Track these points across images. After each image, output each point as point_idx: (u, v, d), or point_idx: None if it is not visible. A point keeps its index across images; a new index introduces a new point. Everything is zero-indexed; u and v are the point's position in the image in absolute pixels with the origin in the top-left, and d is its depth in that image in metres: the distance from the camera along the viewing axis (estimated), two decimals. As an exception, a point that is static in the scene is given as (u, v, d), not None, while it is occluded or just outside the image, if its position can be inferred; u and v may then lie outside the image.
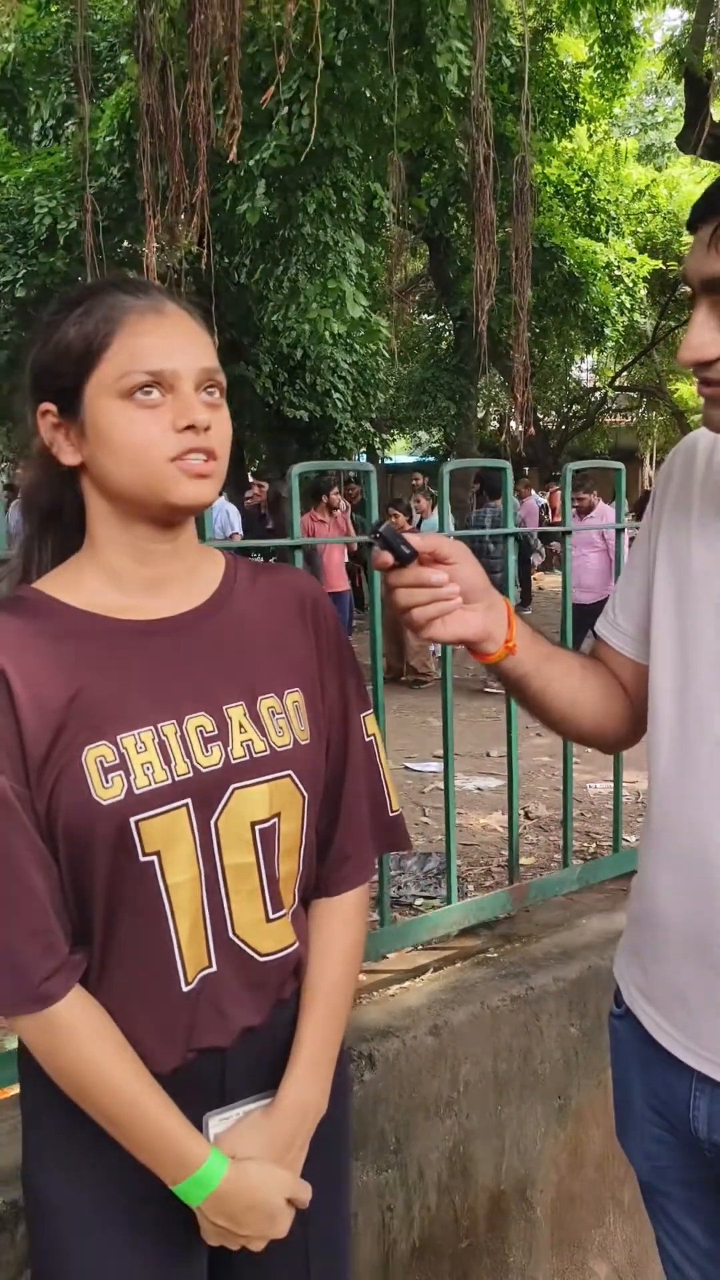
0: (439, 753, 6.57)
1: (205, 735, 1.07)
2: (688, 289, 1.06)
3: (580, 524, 7.83)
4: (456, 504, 12.52)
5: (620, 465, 2.22)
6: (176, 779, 1.04)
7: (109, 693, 1.03)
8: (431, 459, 23.77)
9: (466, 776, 6.17)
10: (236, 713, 1.10)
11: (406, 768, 6.31)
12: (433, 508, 9.44)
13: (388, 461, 22.51)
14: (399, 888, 4.28)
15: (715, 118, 10.38)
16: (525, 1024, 1.91)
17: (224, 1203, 1.06)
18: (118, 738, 1.02)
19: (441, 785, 6.15)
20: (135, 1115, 1.03)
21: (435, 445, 24.09)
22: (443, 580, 1.10)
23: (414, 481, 12.86)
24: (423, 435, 25.08)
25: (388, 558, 1.09)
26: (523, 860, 4.61)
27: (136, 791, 1.01)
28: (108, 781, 1.00)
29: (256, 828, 1.10)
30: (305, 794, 1.15)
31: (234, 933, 1.10)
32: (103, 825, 1.00)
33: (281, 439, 11.66)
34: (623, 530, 2.16)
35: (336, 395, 11.10)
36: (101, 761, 1.01)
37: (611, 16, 13.37)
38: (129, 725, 1.03)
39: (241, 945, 1.10)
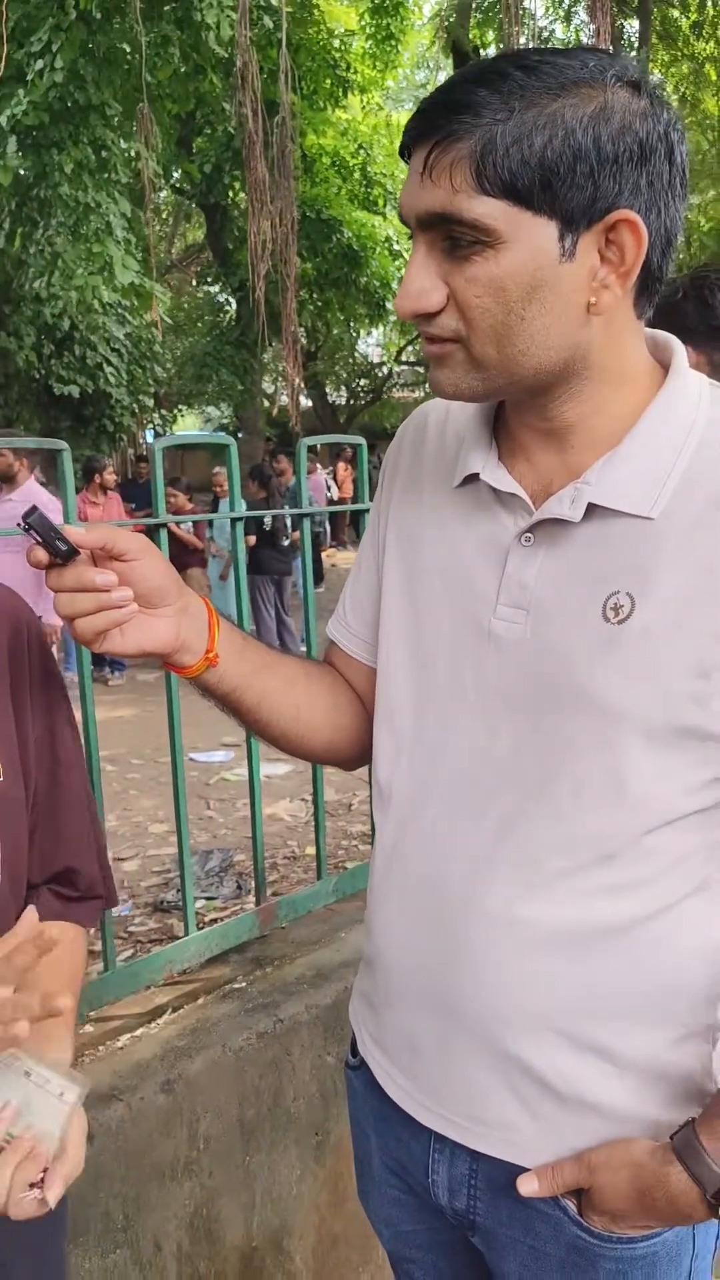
0: (227, 740, 6.37)
1: None
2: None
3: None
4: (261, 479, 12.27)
5: (361, 440, 2.06)
6: None
7: None
8: (221, 435, 23.36)
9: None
10: None
11: (191, 759, 6.06)
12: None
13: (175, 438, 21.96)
14: (177, 890, 4.04)
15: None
16: (275, 1060, 1.73)
17: None
18: None
19: (227, 776, 5.94)
20: None
21: (225, 421, 23.71)
22: (110, 583, 0.89)
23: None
24: (212, 411, 24.63)
25: (42, 554, 0.87)
26: (309, 850, 4.48)
27: None
28: None
29: None
30: None
31: None
32: None
33: (53, 416, 11.02)
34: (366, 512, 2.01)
35: (109, 369, 10.56)
36: None
37: (380, -13, 13.39)
38: None
39: None
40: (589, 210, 0.80)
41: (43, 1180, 0.84)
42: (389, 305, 16.21)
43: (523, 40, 11.69)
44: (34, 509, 0.88)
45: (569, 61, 0.81)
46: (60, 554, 0.87)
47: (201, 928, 1.94)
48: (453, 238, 0.83)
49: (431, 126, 0.82)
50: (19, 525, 0.88)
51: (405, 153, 0.86)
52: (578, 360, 0.87)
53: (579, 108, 0.79)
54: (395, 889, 1.05)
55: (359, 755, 1.20)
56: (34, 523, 0.86)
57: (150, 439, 20.08)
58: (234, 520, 1.84)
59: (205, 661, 1.01)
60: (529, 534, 0.94)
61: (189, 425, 27.98)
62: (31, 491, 6.04)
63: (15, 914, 1.03)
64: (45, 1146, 0.86)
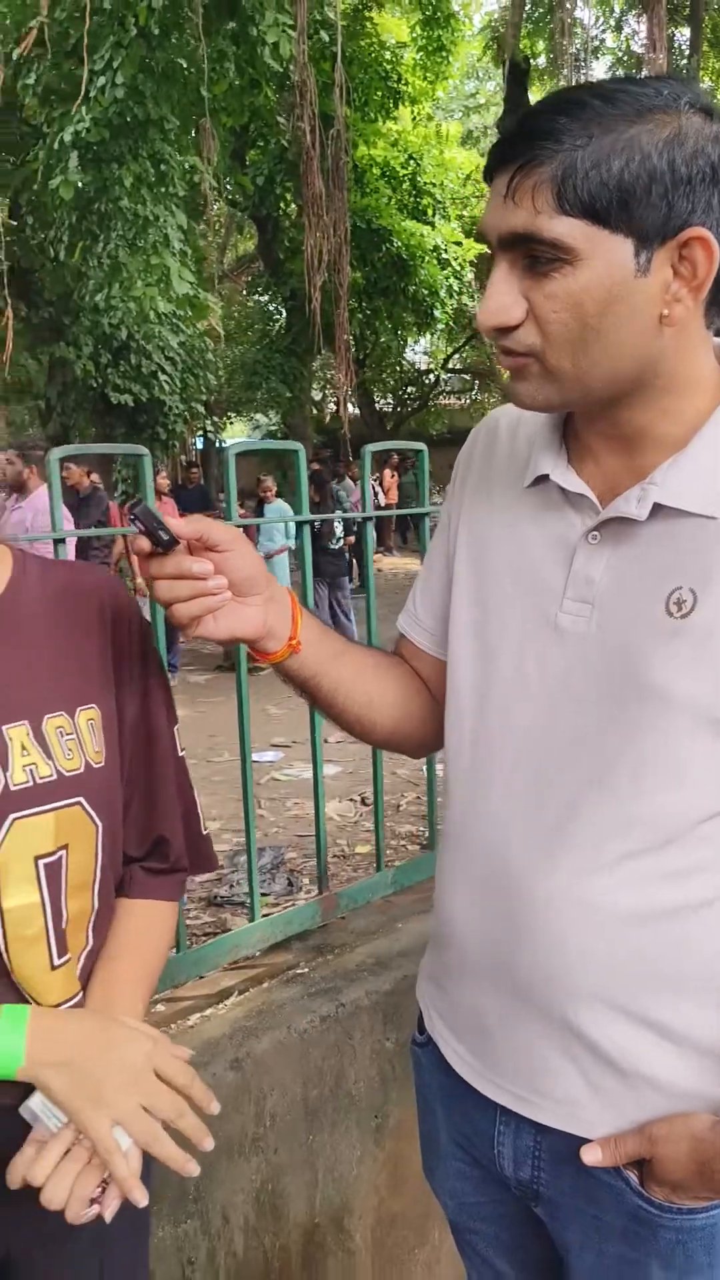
0: (276, 741, 6.45)
1: None
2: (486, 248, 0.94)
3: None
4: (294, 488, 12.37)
5: (422, 447, 2.12)
6: None
7: None
8: (292, 442, 23.51)
9: (306, 764, 6.07)
10: (18, 733, 0.98)
11: (242, 759, 6.15)
12: (274, 494, 9.23)
13: (225, 445, 22.16)
14: (230, 886, 4.12)
15: (533, 103, 10.56)
16: (337, 1044, 1.79)
17: (51, 1048, 0.91)
18: None
19: (277, 776, 6.02)
20: None
21: (274, 428, 23.89)
22: (207, 571, 0.96)
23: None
24: (260, 418, 24.83)
25: (144, 543, 0.94)
26: (360, 849, 4.54)
27: None
28: None
29: (40, 863, 0.98)
30: (99, 822, 1.03)
31: (15, 979, 0.98)
32: None
33: (108, 423, 11.22)
34: (426, 515, 2.07)
35: (164, 378, 10.73)
36: None
37: (432, -1, 13.47)
38: None
39: (23, 994, 0.98)
40: (663, 228, 0.85)
41: (100, 1195, 0.90)
42: (437, 314, 16.27)
43: (573, 50, 11.70)
44: (140, 500, 0.95)
45: (644, 90, 0.86)
46: (161, 543, 0.93)
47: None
48: (533, 256, 0.87)
49: (515, 152, 0.86)
50: (126, 515, 0.94)
51: (489, 177, 0.91)
52: (648, 370, 0.91)
53: (654, 133, 0.84)
54: (462, 870, 1.09)
55: (424, 743, 1.25)
56: (139, 514, 0.92)
57: (199, 446, 20.28)
58: (300, 523, 1.91)
59: (289, 648, 1.07)
60: (596, 532, 0.98)
61: (237, 432, 28.20)
62: (39, 498, 6.11)
63: (113, 891, 1.10)
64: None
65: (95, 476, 8.96)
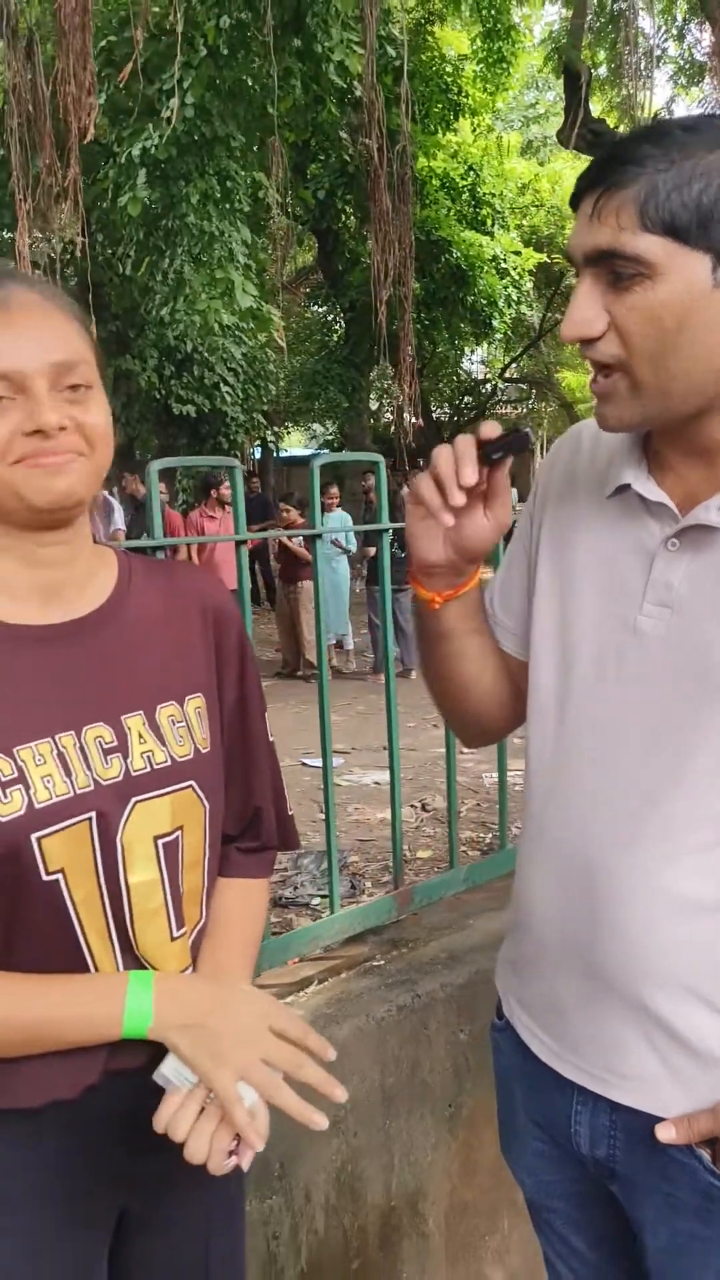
0: (337, 747, 6.54)
1: (105, 746, 1.04)
2: (572, 268, 1.01)
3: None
4: (352, 495, 12.51)
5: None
6: (78, 792, 1.00)
7: (3, 703, 1.00)
8: (326, 452, 23.67)
9: (364, 770, 6.16)
10: (135, 723, 1.06)
11: (304, 764, 6.25)
12: (337, 503, 9.32)
13: (283, 455, 22.37)
14: (295, 887, 4.21)
15: (593, 113, 10.55)
16: (413, 1033, 1.86)
17: (176, 1010, 1.00)
18: (14, 750, 0.98)
19: (338, 781, 6.10)
20: (41, 1000, 1.00)
21: (330, 438, 24.06)
22: (452, 503, 1.05)
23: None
24: (317, 428, 25.00)
25: (489, 432, 1.05)
26: (420, 854, 4.60)
27: (37, 806, 0.98)
28: (6, 796, 0.97)
29: (159, 842, 1.07)
30: (207, 804, 1.12)
31: (138, 952, 1.07)
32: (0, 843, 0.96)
33: (170, 434, 11.44)
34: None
35: (226, 389, 10.93)
36: None
37: (492, 11, 13.51)
38: (26, 737, 0.99)
39: (145, 965, 1.07)
40: None
41: (237, 1147, 0.98)
42: (495, 323, 16.29)
43: (634, 60, 11.68)
44: (524, 431, 1.07)
45: None
46: (485, 456, 1.05)
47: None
48: (615, 271, 0.94)
49: (601, 176, 0.94)
50: (514, 432, 1.05)
51: (575, 202, 0.98)
52: None
53: None
54: (542, 860, 1.15)
55: (496, 728, 1.32)
56: (513, 441, 1.04)
57: (257, 455, 20.51)
58: (381, 532, 1.99)
59: (430, 600, 1.17)
60: (675, 539, 1.04)
61: (294, 442, 28.41)
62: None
63: (217, 869, 1.18)
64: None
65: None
